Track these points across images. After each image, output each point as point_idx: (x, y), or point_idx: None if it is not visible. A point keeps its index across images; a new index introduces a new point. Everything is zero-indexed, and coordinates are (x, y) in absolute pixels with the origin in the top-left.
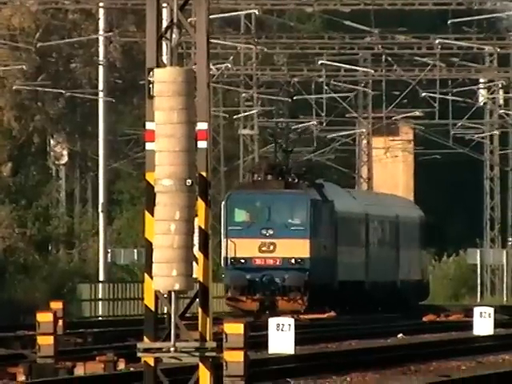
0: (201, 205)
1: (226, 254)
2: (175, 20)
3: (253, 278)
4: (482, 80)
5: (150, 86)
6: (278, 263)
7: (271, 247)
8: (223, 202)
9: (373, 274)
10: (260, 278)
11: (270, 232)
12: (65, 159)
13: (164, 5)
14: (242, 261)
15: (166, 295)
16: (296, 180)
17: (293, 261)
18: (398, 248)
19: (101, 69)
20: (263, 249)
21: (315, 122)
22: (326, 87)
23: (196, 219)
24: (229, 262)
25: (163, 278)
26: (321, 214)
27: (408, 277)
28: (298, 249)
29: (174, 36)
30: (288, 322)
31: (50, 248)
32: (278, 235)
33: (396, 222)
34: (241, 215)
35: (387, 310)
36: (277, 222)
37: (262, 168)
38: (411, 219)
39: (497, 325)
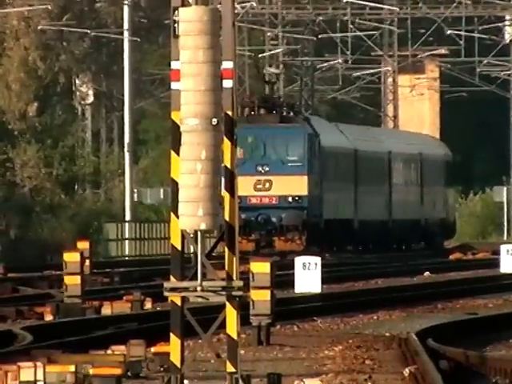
0: (226, 144)
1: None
2: None
3: (248, 218)
4: (507, 17)
5: (175, 25)
6: (274, 202)
7: (267, 185)
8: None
9: (395, 212)
10: (256, 218)
11: (266, 168)
12: (90, 99)
13: None
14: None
15: (192, 234)
16: (291, 113)
17: (290, 199)
18: (422, 186)
19: (126, 8)
20: (258, 186)
21: (340, 61)
22: (351, 25)
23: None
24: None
25: (189, 217)
26: (317, 150)
27: (432, 215)
28: (295, 186)
29: None
30: (314, 260)
31: (76, 188)
32: (274, 171)
33: (419, 160)
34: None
35: (411, 248)
36: (272, 158)
37: (255, 101)
38: (433, 157)
39: None
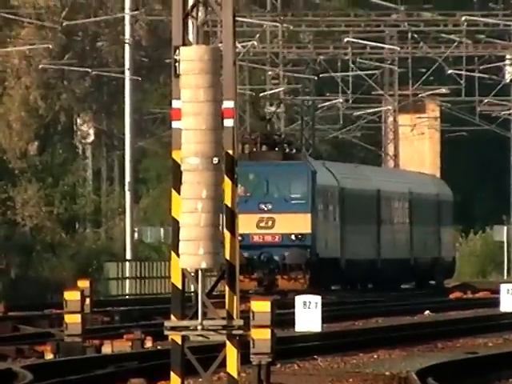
0: (227, 183)
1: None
2: None
3: (250, 256)
4: (508, 56)
5: (176, 64)
6: (277, 240)
7: (270, 223)
8: None
9: (383, 251)
10: (258, 256)
11: (269, 206)
12: (91, 138)
13: None
14: (239, 238)
15: (192, 273)
16: (293, 150)
17: (293, 237)
18: (411, 225)
19: (127, 47)
20: (261, 224)
21: (341, 100)
22: (352, 65)
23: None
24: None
25: (190, 256)
26: (316, 188)
27: (422, 254)
28: (298, 224)
29: (199, 14)
30: (315, 299)
31: (76, 227)
32: (277, 209)
33: (407, 198)
34: (238, 189)
35: (399, 289)
36: (275, 196)
37: (256, 138)
38: (425, 195)
39: None
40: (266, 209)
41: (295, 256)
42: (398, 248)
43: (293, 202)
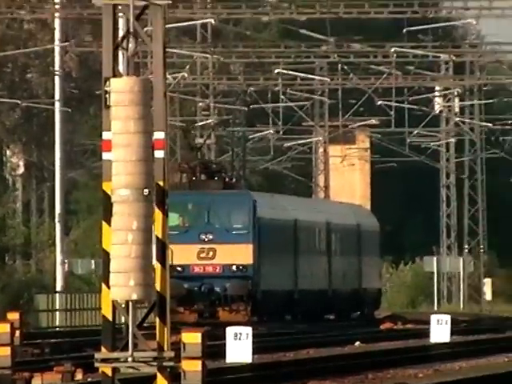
0: (158, 214)
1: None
2: (131, 29)
3: (191, 288)
4: (437, 88)
5: (107, 95)
6: (218, 271)
7: (211, 253)
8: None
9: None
10: (199, 287)
11: (210, 237)
12: (21, 170)
13: (120, 14)
14: (179, 269)
15: (123, 305)
16: (233, 179)
17: (234, 268)
18: (331, 256)
19: (57, 79)
20: (202, 255)
21: (272, 131)
22: (282, 96)
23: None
24: None
25: (121, 287)
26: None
27: (341, 286)
28: (240, 255)
29: (130, 45)
30: (246, 330)
31: (6, 258)
32: (218, 240)
33: (324, 229)
34: (176, 219)
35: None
36: (216, 226)
37: (195, 167)
38: (343, 225)
39: (453, 332)
40: (206, 239)
41: (236, 287)
42: (315, 279)
43: (234, 232)
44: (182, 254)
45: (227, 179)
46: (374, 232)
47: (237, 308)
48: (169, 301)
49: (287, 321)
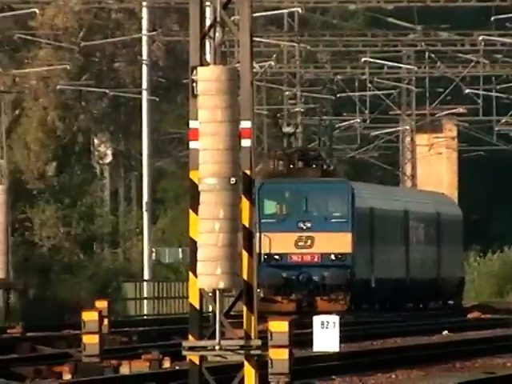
0: (245, 203)
1: (259, 249)
2: (218, 18)
3: (289, 277)
4: None
5: (194, 84)
6: (316, 260)
7: (309, 242)
8: (254, 193)
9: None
10: (297, 277)
11: (308, 225)
12: (109, 158)
13: (207, 3)
14: (277, 257)
15: (210, 293)
16: (331, 167)
17: (333, 257)
18: (408, 245)
19: (144, 68)
20: (300, 244)
21: (359, 120)
22: (369, 84)
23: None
24: (262, 258)
25: (208, 276)
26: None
27: (419, 275)
28: (338, 243)
29: (217, 34)
30: (333, 319)
31: (94, 247)
32: (317, 228)
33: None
34: (275, 207)
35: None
36: (315, 214)
37: (293, 154)
38: (427, 215)
39: None
40: (304, 227)
41: (335, 276)
42: (393, 268)
43: (333, 220)
44: (280, 243)
45: (325, 167)
46: (455, 221)
47: (335, 297)
48: (256, 289)
49: (371, 310)
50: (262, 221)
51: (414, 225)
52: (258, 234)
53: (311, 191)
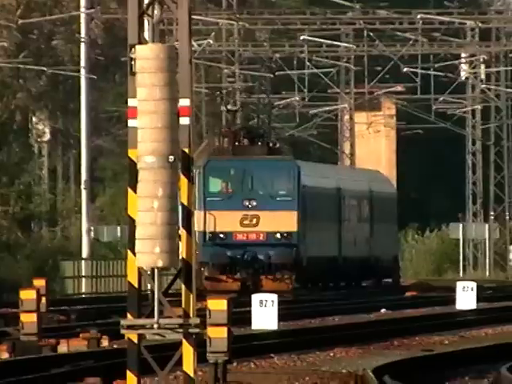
0: (183, 181)
1: (204, 228)
2: None
3: (234, 256)
4: (463, 55)
5: (132, 62)
6: (261, 238)
7: (254, 220)
8: (198, 171)
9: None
10: (242, 255)
11: (253, 203)
12: (47, 136)
13: None
14: (222, 236)
15: (149, 272)
16: (277, 144)
17: (278, 235)
18: (341, 223)
19: (83, 46)
20: (245, 222)
21: (297, 98)
22: (308, 63)
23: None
24: (207, 237)
25: (146, 254)
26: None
27: (352, 253)
28: (284, 222)
29: (155, 12)
30: (271, 298)
31: (32, 226)
32: (262, 207)
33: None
34: (220, 185)
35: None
36: (260, 193)
37: (238, 131)
38: (357, 192)
39: (479, 299)
40: (250, 206)
41: (281, 255)
42: (325, 246)
43: (278, 199)
44: (225, 221)
45: (271, 144)
46: (389, 198)
47: (281, 276)
48: (194, 268)
49: (310, 288)
50: (207, 199)
51: (346, 202)
52: (202, 213)
53: (257, 169)
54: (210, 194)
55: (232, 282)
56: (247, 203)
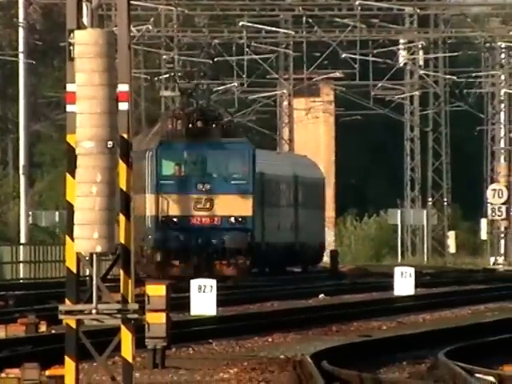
0: (122, 167)
1: (157, 212)
2: None
3: (187, 240)
4: (402, 41)
5: (71, 47)
6: (216, 222)
7: (208, 204)
8: (150, 153)
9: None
10: (195, 240)
11: (207, 187)
12: None
13: None
14: (175, 220)
15: (87, 257)
16: (231, 126)
17: (233, 220)
18: (263, 208)
19: (21, 30)
20: (199, 206)
21: (236, 84)
22: (247, 49)
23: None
24: (160, 220)
25: (85, 240)
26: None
27: (276, 239)
28: (239, 206)
29: None
30: (210, 283)
31: None
32: (216, 190)
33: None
34: (173, 168)
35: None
36: (214, 176)
37: (191, 113)
38: (283, 177)
39: (417, 285)
40: (204, 189)
41: (235, 240)
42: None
43: (233, 182)
44: (178, 205)
45: (225, 127)
46: (315, 184)
47: (235, 261)
48: (133, 253)
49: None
50: (160, 182)
51: (269, 187)
52: (154, 196)
53: (211, 152)
54: (163, 177)
55: (185, 266)
56: (201, 186)
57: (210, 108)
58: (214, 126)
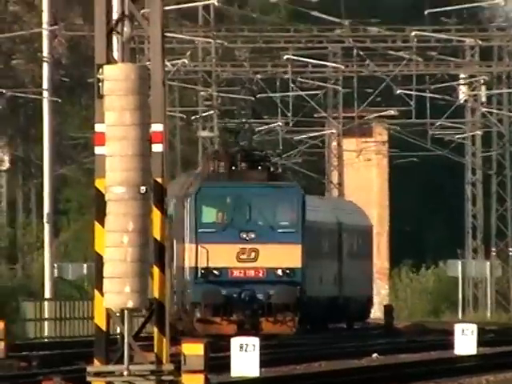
0: (156, 214)
1: (196, 263)
2: (127, 12)
3: (230, 295)
4: (462, 75)
5: (100, 84)
6: (261, 275)
7: (252, 255)
8: (189, 199)
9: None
10: (239, 294)
11: (252, 236)
12: (6, 165)
13: None
14: (216, 272)
15: (118, 314)
16: (279, 169)
17: (280, 272)
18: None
19: (45, 66)
20: (242, 257)
21: (281, 123)
22: (292, 84)
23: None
24: (199, 273)
25: (115, 294)
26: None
27: (319, 293)
28: (286, 257)
29: (125, 29)
30: (252, 341)
31: None
32: (262, 240)
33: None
34: (214, 214)
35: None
36: (260, 223)
37: (235, 154)
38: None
39: (480, 343)
40: (248, 238)
41: (282, 294)
42: None
43: (280, 230)
44: (220, 256)
45: (272, 169)
46: (363, 231)
47: (282, 318)
48: (168, 309)
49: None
50: (200, 230)
51: (311, 236)
52: (194, 246)
53: (256, 197)
54: (203, 225)
55: (228, 324)
56: (245, 235)
57: (255, 148)
58: (259, 168)
